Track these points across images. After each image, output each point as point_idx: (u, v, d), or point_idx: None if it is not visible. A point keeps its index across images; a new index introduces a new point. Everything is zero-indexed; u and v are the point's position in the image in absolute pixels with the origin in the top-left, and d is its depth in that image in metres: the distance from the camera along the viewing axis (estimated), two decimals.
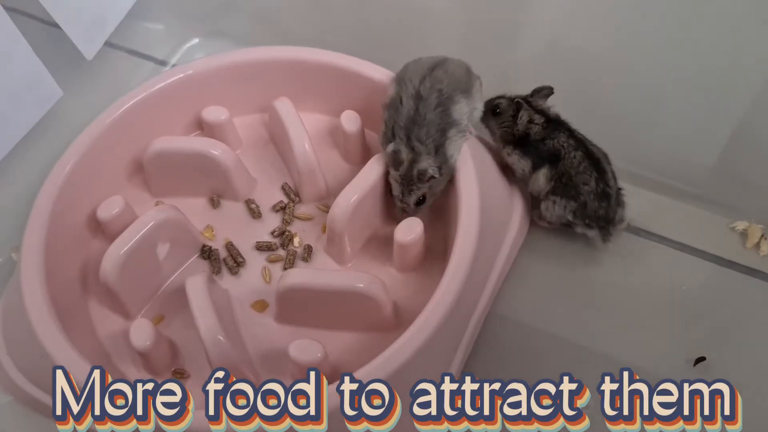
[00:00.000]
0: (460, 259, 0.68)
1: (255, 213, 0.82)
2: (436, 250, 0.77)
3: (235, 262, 0.79)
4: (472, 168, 0.73)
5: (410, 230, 0.73)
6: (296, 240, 0.80)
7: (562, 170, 0.77)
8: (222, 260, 0.79)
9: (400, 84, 0.75)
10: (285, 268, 0.78)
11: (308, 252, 0.79)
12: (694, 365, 0.73)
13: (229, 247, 0.80)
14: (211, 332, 0.67)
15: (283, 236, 0.80)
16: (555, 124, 0.78)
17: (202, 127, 0.86)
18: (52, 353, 0.65)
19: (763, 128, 0.86)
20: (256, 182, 0.84)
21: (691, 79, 0.87)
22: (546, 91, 0.80)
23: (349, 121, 0.82)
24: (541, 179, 0.78)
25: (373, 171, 0.75)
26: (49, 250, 0.72)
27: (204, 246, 0.80)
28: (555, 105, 0.80)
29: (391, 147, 0.73)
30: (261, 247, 0.80)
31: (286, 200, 0.83)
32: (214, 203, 0.83)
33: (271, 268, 0.78)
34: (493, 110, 0.80)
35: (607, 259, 0.80)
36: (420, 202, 0.75)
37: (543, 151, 0.78)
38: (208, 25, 1.04)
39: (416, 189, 0.74)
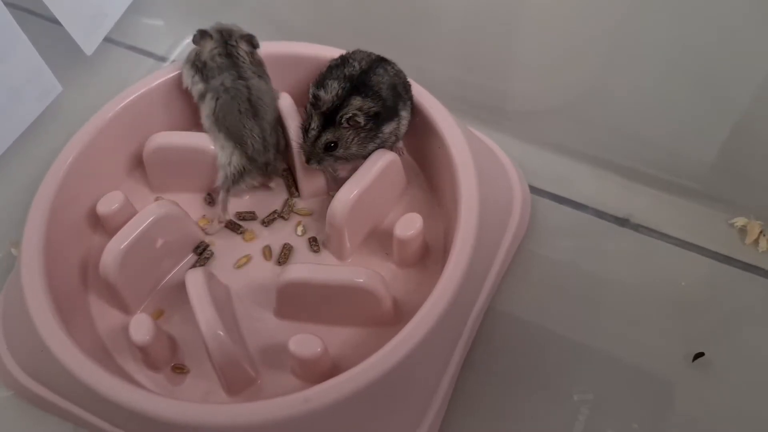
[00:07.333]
0: (460, 255, 0.68)
1: None
2: (435, 245, 0.77)
3: None
4: (472, 162, 0.73)
5: (410, 225, 0.73)
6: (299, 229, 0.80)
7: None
8: None
9: None
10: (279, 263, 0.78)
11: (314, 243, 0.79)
12: (693, 361, 0.73)
13: None
14: (211, 327, 0.67)
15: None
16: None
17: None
18: (52, 348, 0.65)
19: (763, 124, 0.86)
20: None
21: (691, 75, 0.87)
22: None
23: None
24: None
25: (375, 166, 0.75)
26: (49, 245, 0.72)
27: (203, 241, 0.80)
28: (557, 102, 0.80)
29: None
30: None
31: (286, 195, 0.83)
32: (214, 199, 0.83)
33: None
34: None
35: (606, 255, 0.80)
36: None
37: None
38: (208, 21, 1.04)
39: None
